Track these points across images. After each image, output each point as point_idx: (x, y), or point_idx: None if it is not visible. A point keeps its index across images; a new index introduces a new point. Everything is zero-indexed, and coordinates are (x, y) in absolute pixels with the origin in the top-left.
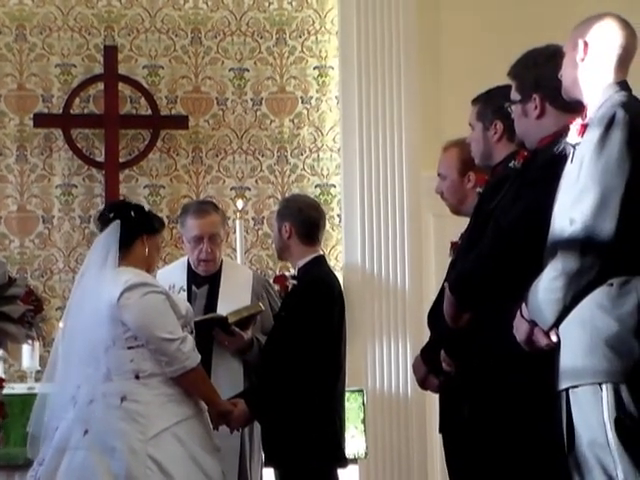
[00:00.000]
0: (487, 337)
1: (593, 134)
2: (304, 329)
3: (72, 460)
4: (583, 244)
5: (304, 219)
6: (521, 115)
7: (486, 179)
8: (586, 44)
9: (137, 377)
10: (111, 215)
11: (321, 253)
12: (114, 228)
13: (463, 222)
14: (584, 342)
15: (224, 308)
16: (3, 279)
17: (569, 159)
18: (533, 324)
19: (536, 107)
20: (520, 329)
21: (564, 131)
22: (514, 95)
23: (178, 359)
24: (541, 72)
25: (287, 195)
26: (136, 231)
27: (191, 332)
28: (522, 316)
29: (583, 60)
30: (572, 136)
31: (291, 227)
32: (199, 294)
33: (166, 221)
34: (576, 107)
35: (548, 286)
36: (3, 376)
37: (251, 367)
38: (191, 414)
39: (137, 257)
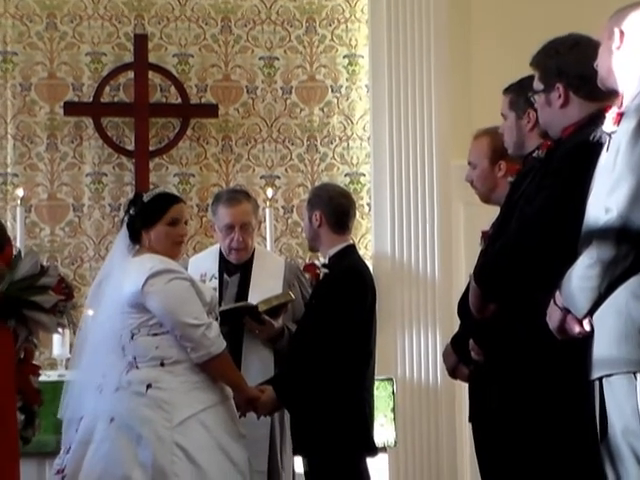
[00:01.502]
0: (515, 326)
1: (629, 123)
2: (336, 317)
3: (98, 448)
4: (618, 233)
5: (334, 207)
6: (544, 105)
7: (518, 168)
8: (622, 33)
9: (162, 364)
10: (130, 211)
11: (352, 242)
12: (124, 227)
13: (493, 211)
14: (619, 331)
15: (255, 296)
16: (35, 269)
17: (605, 148)
18: (566, 312)
19: (559, 96)
20: (553, 316)
21: (588, 120)
22: (537, 85)
23: (203, 345)
24: (564, 61)
25: (317, 184)
26: (137, 227)
27: (216, 319)
28: (555, 303)
29: (619, 49)
30: (608, 124)
31: (321, 215)
32: (231, 282)
33: (195, 210)
34: (600, 96)
35: (583, 274)
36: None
37: (282, 356)
38: (217, 401)
39: (150, 248)
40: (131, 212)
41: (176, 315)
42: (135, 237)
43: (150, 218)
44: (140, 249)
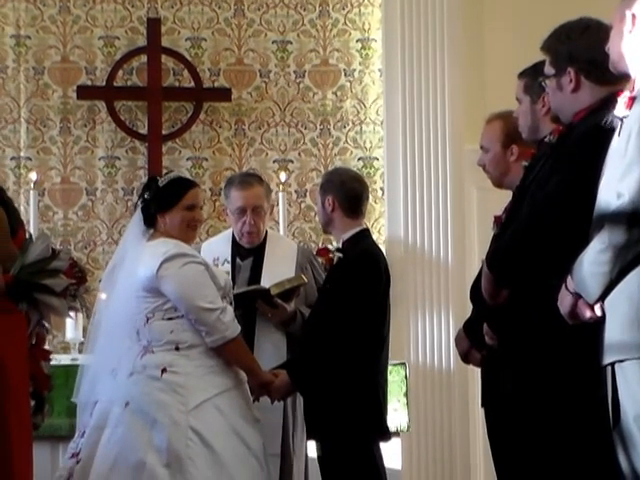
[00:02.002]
0: (528, 311)
1: None
2: (350, 302)
3: (113, 433)
4: (630, 218)
5: (347, 192)
6: (556, 89)
7: (531, 152)
8: (634, 16)
9: (177, 348)
10: (145, 195)
11: (365, 226)
12: (138, 211)
13: (506, 195)
14: (630, 316)
15: (268, 280)
16: (46, 252)
17: (616, 132)
18: (577, 297)
19: (571, 80)
20: (564, 302)
21: (599, 104)
22: (548, 69)
23: (218, 329)
24: (575, 45)
25: (330, 168)
26: (152, 212)
27: (230, 303)
28: (567, 288)
29: (631, 32)
30: (620, 109)
31: (334, 200)
32: (243, 266)
33: (208, 193)
34: (612, 80)
35: (594, 259)
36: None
37: (294, 339)
38: (232, 385)
39: (165, 233)
40: (146, 196)
41: (191, 299)
42: (150, 221)
43: (166, 203)
44: (154, 233)
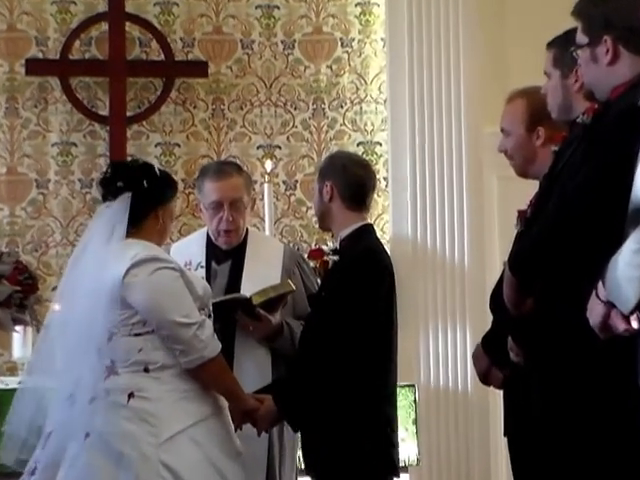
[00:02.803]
0: (558, 322)
1: None
2: (349, 313)
3: (71, 469)
4: None
5: (349, 178)
6: (589, 61)
7: (561, 135)
8: None
9: (146, 370)
10: (119, 184)
11: (369, 221)
12: (123, 202)
13: (532, 186)
14: None
15: (249, 287)
16: None
17: None
18: (610, 306)
19: (607, 51)
20: (594, 312)
21: None
22: (580, 38)
23: (195, 347)
24: (612, 9)
25: (324, 155)
26: (149, 204)
27: (209, 316)
28: (597, 296)
29: None
30: None
31: (333, 187)
32: (220, 271)
33: (181, 186)
34: None
35: (630, 261)
36: None
37: (280, 357)
38: (210, 413)
39: (149, 230)
40: (145, 184)
41: (163, 312)
42: (139, 217)
43: (168, 193)
44: (131, 234)
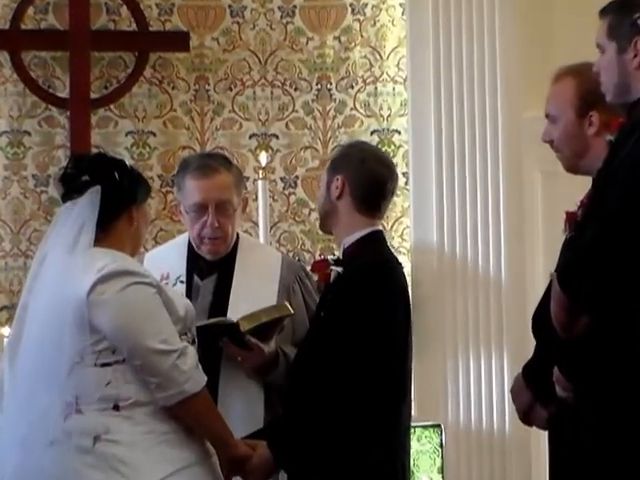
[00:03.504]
0: (618, 348)
1: None
2: (355, 338)
3: None
4: None
5: (366, 174)
6: None
7: (619, 122)
8: None
9: (116, 407)
10: (85, 178)
11: (380, 228)
12: (91, 198)
13: (583, 183)
14: None
15: (238, 308)
16: None
17: None
18: None
19: None
20: None
21: None
22: None
23: (175, 380)
24: None
25: (331, 145)
26: (123, 201)
27: (192, 342)
28: None
29: None
30: None
31: (345, 182)
32: (203, 288)
33: (157, 183)
34: None
35: None
36: None
37: (275, 394)
38: (194, 460)
39: (121, 236)
40: (116, 176)
41: (136, 336)
42: (111, 216)
43: (142, 190)
44: (101, 240)
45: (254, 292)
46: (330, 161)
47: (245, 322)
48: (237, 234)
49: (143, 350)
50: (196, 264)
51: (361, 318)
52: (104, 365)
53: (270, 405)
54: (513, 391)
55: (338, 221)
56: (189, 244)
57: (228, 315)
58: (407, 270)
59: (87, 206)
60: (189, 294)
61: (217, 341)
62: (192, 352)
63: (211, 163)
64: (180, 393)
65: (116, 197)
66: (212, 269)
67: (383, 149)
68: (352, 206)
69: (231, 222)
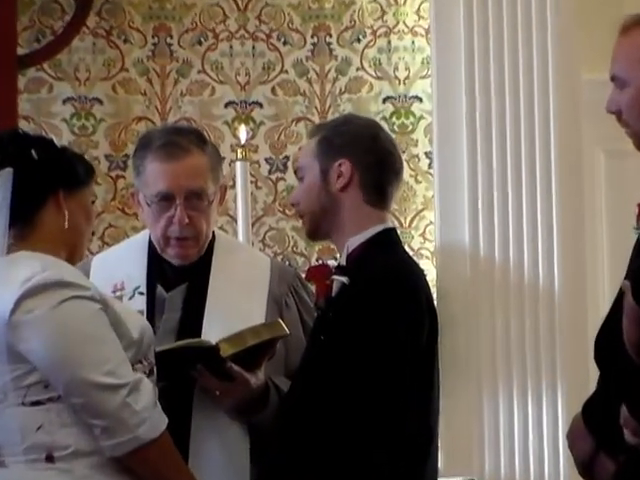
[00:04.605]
0: None
1: None
2: (367, 369)
3: None
4: None
5: (378, 154)
6: None
7: None
8: None
9: (50, 458)
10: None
11: (391, 225)
12: (1, 184)
13: None
14: None
15: (215, 328)
16: None
17: None
18: None
19: None
20: None
21: None
22: None
23: (125, 424)
24: None
25: (330, 117)
26: (45, 186)
27: (150, 372)
28: None
29: None
30: None
31: (354, 168)
32: (169, 301)
33: (104, 166)
34: None
35: None
36: None
37: (264, 439)
38: None
39: (51, 232)
40: (34, 154)
41: (74, 367)
42: (30, 206)
43: (77, 173)
44: (20, 238)
45: (236, 307)
46: (323, 141)
47: (226, 345)
48: (213, 233)
49: (84, 384)
50: (160, 271)
51: (376, 344)
52: (34, 404)
53: (257, 455)
54: (570, 436)
55: (340, 220)
56: (150, 245)
57: (202, 336)
58: (430, 279)
59: None
60: (151, 309)
61: (188, 370)
62: (148, 386)
63: (180, 141)
64: (132, 440)
65: (34, 180)
66: (181, 277)
67: (397, 122)
68: (360, 198)
69: (205, 217)
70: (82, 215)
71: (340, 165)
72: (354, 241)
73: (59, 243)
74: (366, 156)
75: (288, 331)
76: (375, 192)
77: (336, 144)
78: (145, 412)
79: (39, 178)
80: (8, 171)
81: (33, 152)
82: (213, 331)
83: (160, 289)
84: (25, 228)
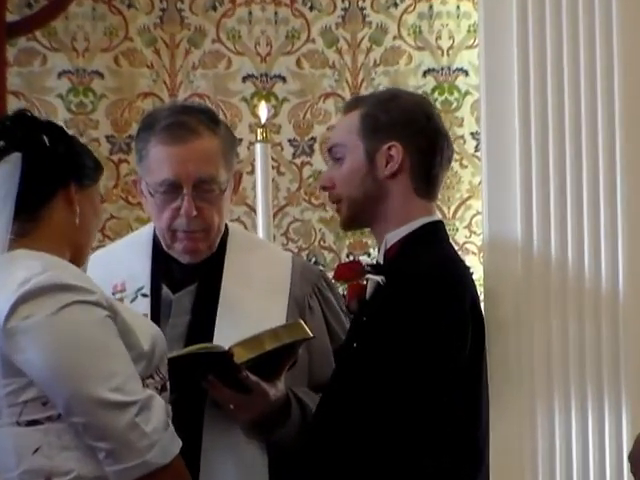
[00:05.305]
0: None
1: None
2: (409, 373)
3: None
4: None
5: (431, 136)
6: None
7: None
8: None
9: None
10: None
11: (439, 217)
12: (7, 170)
13: None
14: None
15: (228, 333)
16: None
17: None
18: None
19: None
20: None
21: None
22: None
23: (133, 447)
24: None
25: (362, 93)
26: (56, 177)
27: (162, 388)
28: None
29: None
30: None
31: (405, 153)
32: (177, 303)
33: (105, 149)
34: None
35: None
36: None
37: (284, 459)
38: None
39: (58, 229)
40: (45, 140)
41: (77, 382)
42: (38, 198)
43: (86, 165)
44: (23, 234)
45: (251, 311)
46: (368, 118)
47: (241, 350)
48: (226, 226)
49: (87, 402)
50: (166, 270)
51: (415, 351)
52: (31, 424)
53: (277, 477)
54: (632, 458)
55: (385, 210)
56: (155, 241)
57: (215, 341)
58: (477, 278)
59: (2, 179)
60: (156, 313)
61: (198, 380)
62: (160, 405)
63: (188, 121)
64: (141, 465)
65: (44, 169)
66: (189, 277)
67: (440, 98)
68: (410, 186)
69: (217, 209)
70: (92, 212)
71: (390, 148)
72: (393, 236)
73: (65, 242)
74: (418, 139)
75: (312, 334)
76: (425, 180)
77: (384, 123)
78: (156, 434)
79: (50, 168)
80: (17, 156)
81: (45, 138)
82: (225, 338)
83: (166, 290)
84: (28, 222)
